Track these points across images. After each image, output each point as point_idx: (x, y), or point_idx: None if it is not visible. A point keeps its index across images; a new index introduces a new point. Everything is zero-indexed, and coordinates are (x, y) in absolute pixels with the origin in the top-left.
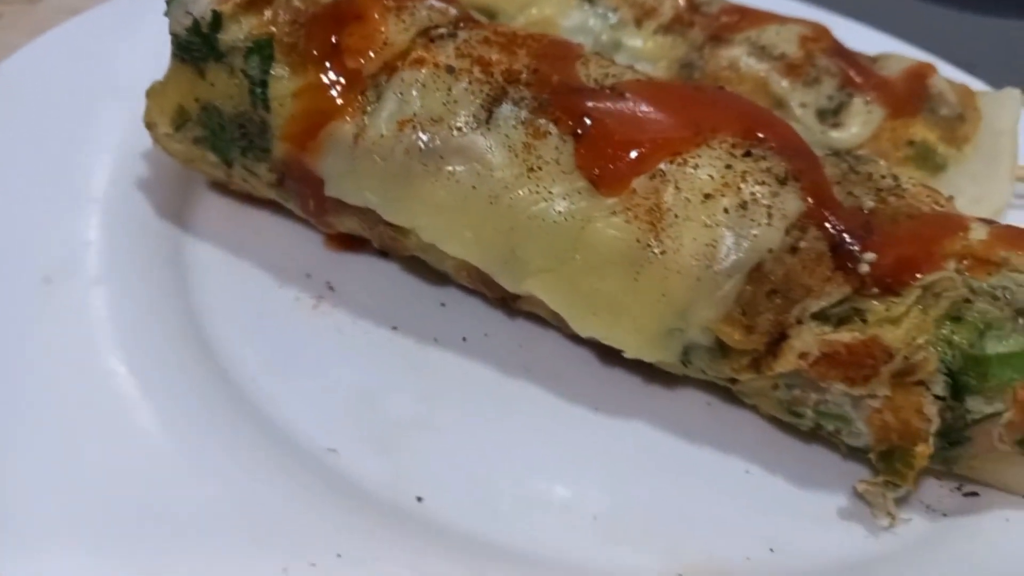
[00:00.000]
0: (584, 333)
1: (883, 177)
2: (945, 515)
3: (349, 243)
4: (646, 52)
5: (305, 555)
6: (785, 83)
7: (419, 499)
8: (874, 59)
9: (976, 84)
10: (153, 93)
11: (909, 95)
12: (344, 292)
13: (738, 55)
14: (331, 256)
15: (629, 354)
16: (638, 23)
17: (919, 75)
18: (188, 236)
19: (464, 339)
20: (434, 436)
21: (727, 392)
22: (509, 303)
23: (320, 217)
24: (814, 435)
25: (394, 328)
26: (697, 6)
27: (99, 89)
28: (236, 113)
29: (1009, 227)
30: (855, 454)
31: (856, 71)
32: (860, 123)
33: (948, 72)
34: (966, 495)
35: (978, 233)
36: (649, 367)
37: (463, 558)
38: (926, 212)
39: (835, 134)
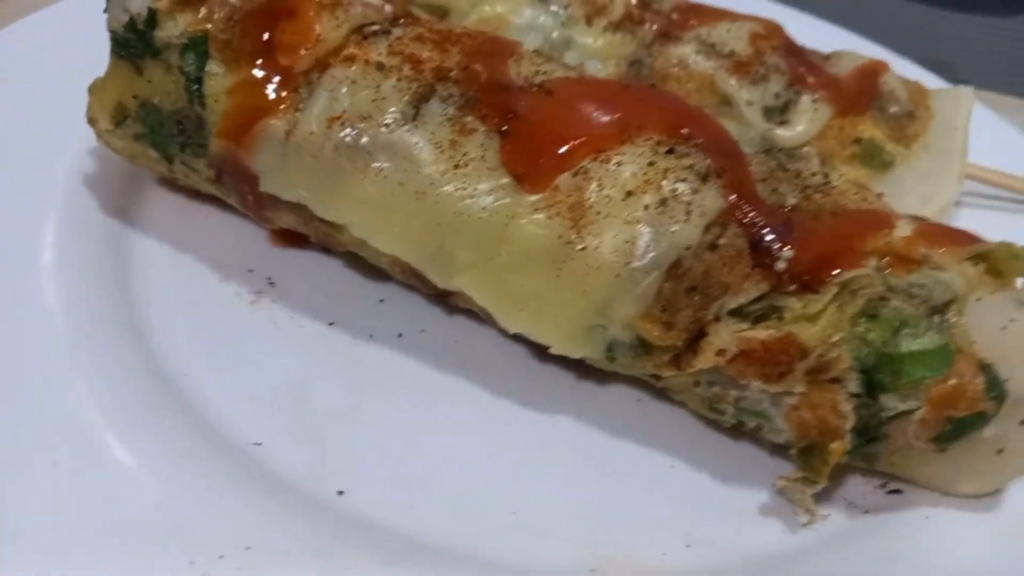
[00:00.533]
0: (511, 329)
1: (812, 174)
2: (867, 512)
3: (293, 239)
4: (596, 50)
5: (214, 547)
6: (733, 81)
7: (340, 492)
8: (827, 57)
9: (937, 82)
10: (94, 90)
11: (858, 93)
12: (284, 287)
13: (687, 53)
14: (274, 252)
15: (554, 350)
16: (588, 20)
17: (871, 73)
18: (134, 230)
19: (400, 335)
20: (361, 429)
21: (657, 389)
22: (446, 299)
23: (259, 212)
24: (741, 432)
25: (331, 323)
26: (648, 3)
27: (54, 85)
28: (173, 110)
29: (934, 224)
30: (779, 451)
31: (805, 69)
32: (807, 121)
33: (911, 70)
34: (889, 492)
35: (903, 230)
36: (581, 364)
37: (378, 551)
38: (851, 209)
39: (781, 132)
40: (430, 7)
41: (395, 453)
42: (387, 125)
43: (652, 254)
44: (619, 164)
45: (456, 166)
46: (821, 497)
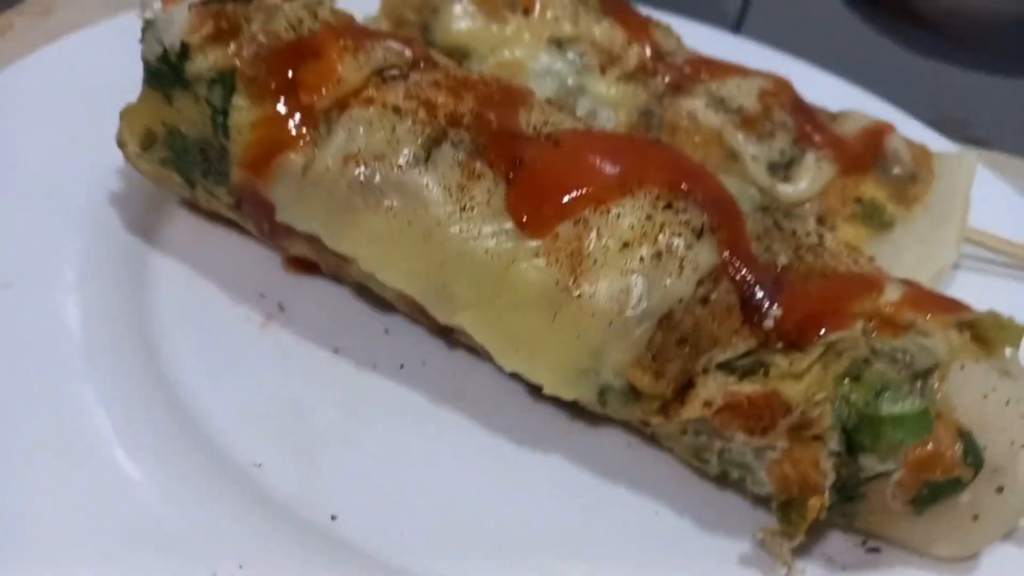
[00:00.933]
0: (507, 367)
1: (807, 234)
2: (844, 568)
3: (306, 266)
4: (609, 98)
5: (209, 564)
6: (739, 136)
7: (333, 517)
8: (834, 116)
9: (944, 142)
10: (125, 114)
11: (862, 153)
12: (293, 313)
13: (697, 106)
14: (287, 278)
15: (547, 390)
16: (602, 69)
17: (875, 133)
18: (155, 249)
19: (402, 366)
20: (357, 456)
21: (648, 434)
22: (447, 334)
23: (274, 240)
24: (726, 482)
25: (335, 350)
26: (662, 55)
27: (88, 105)
28: (199, 138)
29: (923, 290)
30: (762, 502)
31: (812, 127)
32: (810, 178)
33: (919, 130)
34: (869, 551)
35: (891, 295)
36: (575, 405)
37: None
38: (841, 271)
39: (784, 187)
40: (451, 49)
41: (389, 481)
42: (400, 166)
43: (645, 305)
44: (618, 216)
45: (463, 208)
46: (801, 551)
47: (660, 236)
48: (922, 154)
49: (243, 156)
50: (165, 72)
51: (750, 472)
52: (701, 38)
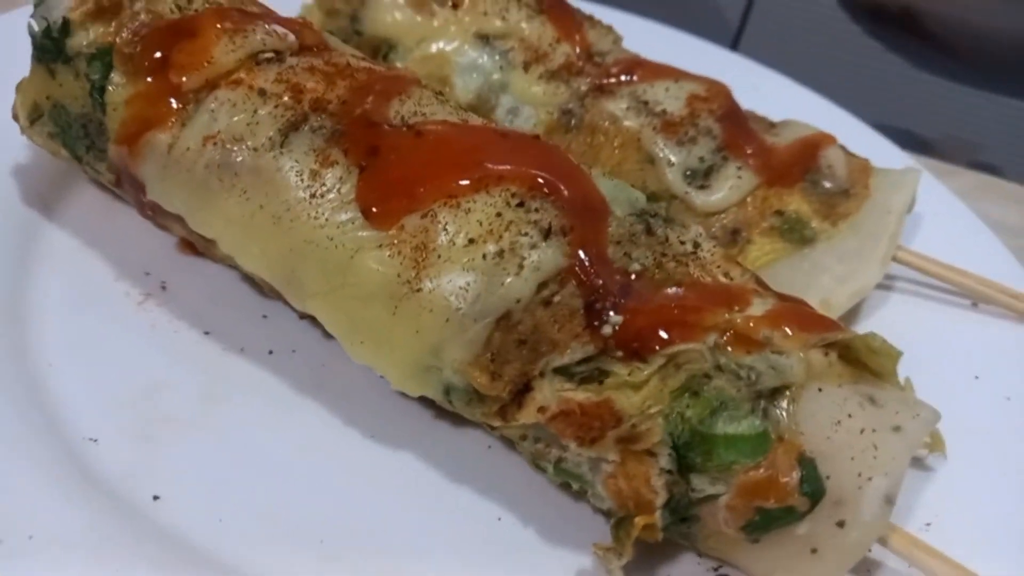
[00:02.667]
0: (354, 358)
1: (682, 243)
2: None
3: (197, 248)
4: (530, 96)
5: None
6: (659, 140)
7: (156, 497)
8: (773, 124)
9: (905, 161)
10: (19, 88)
11: (789, 164)
12: (174, 293)
13: (619, 108)
14: (178, 259)
15: (394, 386)
16: (526, 67)
17: (810, 145)
18: (53, 222)
19: (271, 352)
20: (198, 438)
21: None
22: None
23: (154, 219)
24: (576, 493)
25: (207, 332)
26: (592, 55)
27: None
28: (80, 113)
29: (792, 308)
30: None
31: (740, 135)
32: (727, 188)
33: (885, 148)
34: None
35: (756, 309)
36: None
37: (164, 560)
38: (704, 282)
39: (699, 196)
40: (378, 40)
41: (224, 467)
42: (255, 149)
43: (481, 303)
44: (468, 211)
45: (313, 195)
46: (646, 570)
47: (505, 234)
48: (861, 169)
49: (118, 132)
50: (48, 47)
51: (588, 485)
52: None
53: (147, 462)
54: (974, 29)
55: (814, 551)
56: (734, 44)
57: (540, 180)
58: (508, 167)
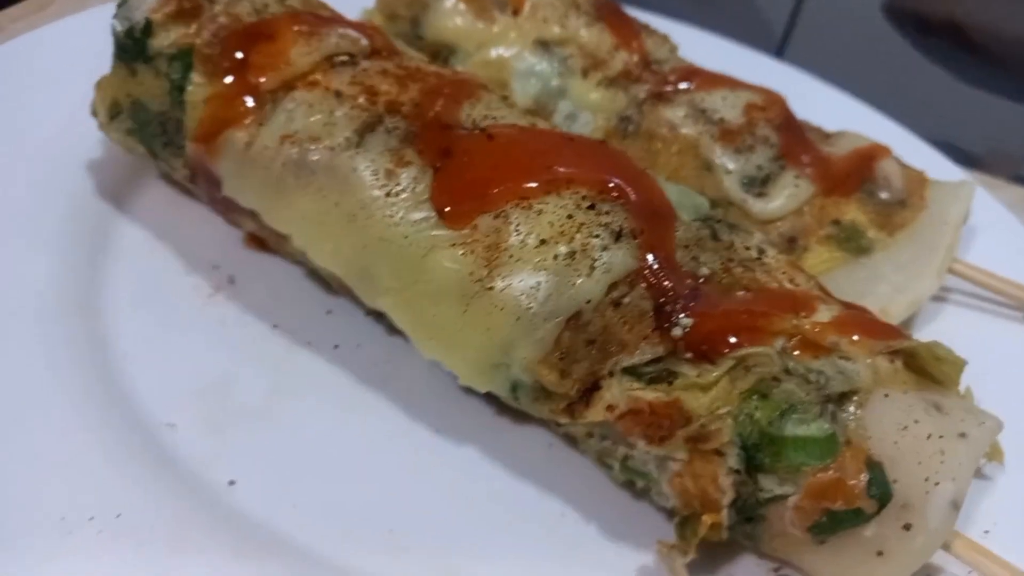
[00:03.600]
0: (424, 354)
1: (747, 248)
2: None
3: (264, 243)
4: (588, 102)
5: (87, 509)
6: (717, 148)
7: (231, 482)
8: (828, 135)
9: (956, 174)
10: (99, 85)
11: (846, 174)
12: (242, 287)
13: (677, 115)
14: (245, 254)
15: (462, 381)
16: (585, 73)
17: (868, 156)
18: (124, 216)
19: (336, 346)
20: (270, 428)
21: (571, 437)
22: (386, 317)
23: (227, 214)
24: (642, 493)
25: (275, 326)
26: (650, 63)
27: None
28: (159, 111)
29: (857, 314)
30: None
31: (797, 144)
32: (785, 196)
33: (937, 160)
34: None
35: (822, 316)
36: (502, 401)
37: (242, 542)
38: (771, 288)
39: (756, 203)
40: (438, 45)
41: (294, 456)
42: (332, 148)
43: (552, 302)
44: (540, 212)
45: (388, 194)
46: (707, 570)
47: (577, 235)
48: (917, 181)
49: (196, 130)
50: (130, 47)
51: (653, 483)
52: (729, 58)
53: (221, 449)
54: (1020, 41)
55: (880, 554)
56: (778, 53)
57: (610, 183)
58: (578, 170)
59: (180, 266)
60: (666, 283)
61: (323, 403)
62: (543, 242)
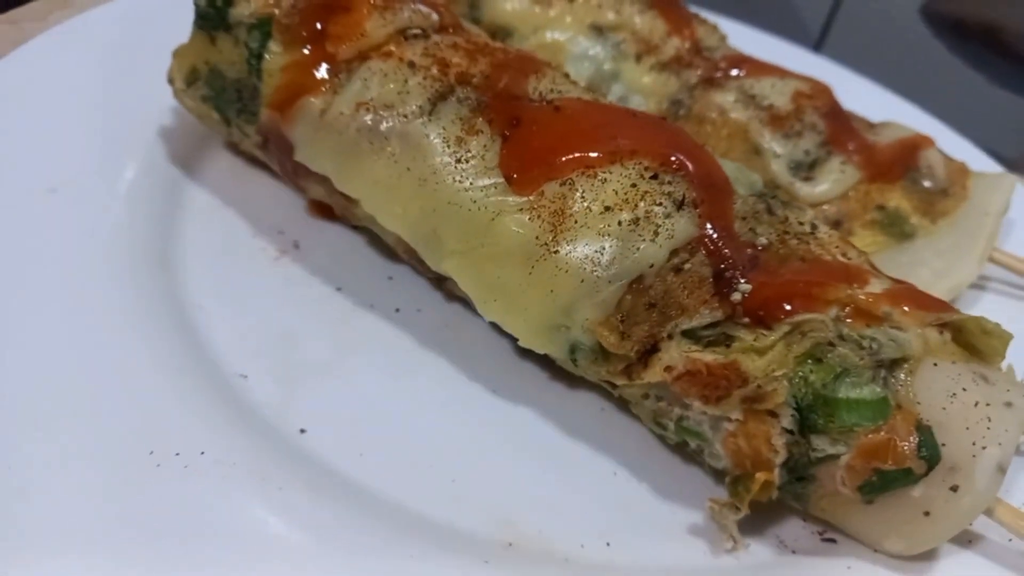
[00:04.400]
0: (486, 316)
1: (800, 223)
2: (794, 552)
3: (327, 211)
4: (641, 86)
5: (174, 445)
6: (766, 132)
7: (302, 431)
8: (873, 125)
9: (993, 167)
10: (177, 53)
11: (891, 162)
12: (306, 251)
13: (727, 100)
14: (309, 221)
15: (522, 342)
16: (638, 57)
17: (911, 146)
18: (194, 182)
19: (397, 310)
20: (336, 382)
21: (622, 403)
22: (444, 284)
23: (295, 181)
24: (689, 454)
25: (338, 289)
26: (700, 50)
27: (152, 51)
28: (236, 79)
29: (911, 289)
30: (723, 478)
31: (843, 132)
32: (831, 180)
33: (973, 154)
34: (824, 540)
35: (874, 287)
36: (555, 366)
37: (314, 486)
38: (825, 260)
39: (803, 187)
40: (496, 27)
41: (361, 409)
42: (405, 116)
43: (616, 266)
44: (604, 181)
45: (458, 160)
46: (754, 531)
47: (641, 203)
48: (959, 171)
49: (271, 97)
50: (211, 15)
51: (706, 443)
52: (771, 50)
53: (291, 399)
54: None
55: (927, 514)
56: (815, 52)
57: (672, 156)
58: (642, 143)
59: (248, 230)
60: (725, 251)
61: (385, 362)
62: (607, 209)
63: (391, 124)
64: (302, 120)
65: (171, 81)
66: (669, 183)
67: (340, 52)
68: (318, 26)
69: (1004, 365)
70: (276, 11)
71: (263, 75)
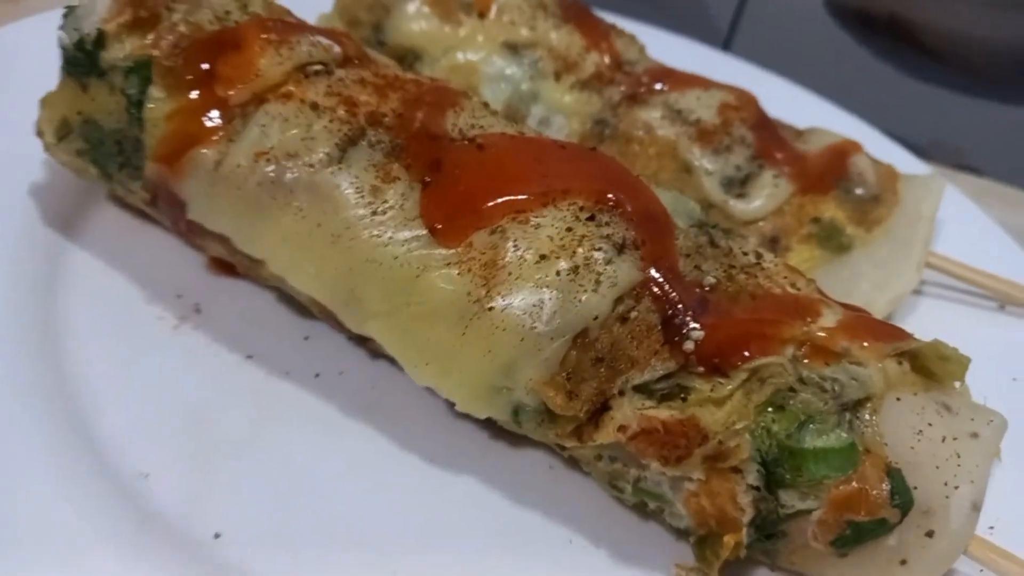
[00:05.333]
0: (418, 381)
1: (744, 254)
2: None
3: (229, 267)
4: (562, 106)
5: (58, 571)
6: (695, 149)
7: (217, 535)
8: (801, 132)
9: (916, 164)
10: (45, 103)
11: (823, 172)
12: (209, 315)
13: (653, 117)
14: (209, 279)
15: (460, 407)
16: (557, 76)
17: (840, 152)
18: (75, 242)
19: (317, 375)
20: (255, 469)
21: (574, 459)
22: (366, 342)
23: (190, 239)
24: (647, 512)
25: (249, 356)
26: (621, 64)
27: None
28: (114, 129)
29: (863, 317)
30: (685, 536)
31: (772, 143)
32: (765, 196)
33: (896, 153)
34: None
35: (827, 320)
36: (497, 424)
37: None
38: (776, 293)
39: (738, 205)
40: (403, 50)
41: (286, 497)
42: (312, 165)
43: (558, 320)
44: (537, 227)
45: (375, 212)
46: None
47: (579, 249)
48: (888, 175)
49: (157, 149)
50: (81, 60)
51: (667, 504)
52: (685, 53)
53: (203, 496)
54: (959, 36)
55: (903, 562)
56: (724, 49)
57: (607, 193)
58: (574, 180)
59: (141, 296)
60: (672, 294)
61: (310, 437)
62: (543, 257)
63: (296, 175)
64: (194, 174)
65: (40, 134)
66: (607, 224)
67: (233, 96)
68: (205, 67)
69: (956, 384)
70: (156, 52)
71: (145, 125)
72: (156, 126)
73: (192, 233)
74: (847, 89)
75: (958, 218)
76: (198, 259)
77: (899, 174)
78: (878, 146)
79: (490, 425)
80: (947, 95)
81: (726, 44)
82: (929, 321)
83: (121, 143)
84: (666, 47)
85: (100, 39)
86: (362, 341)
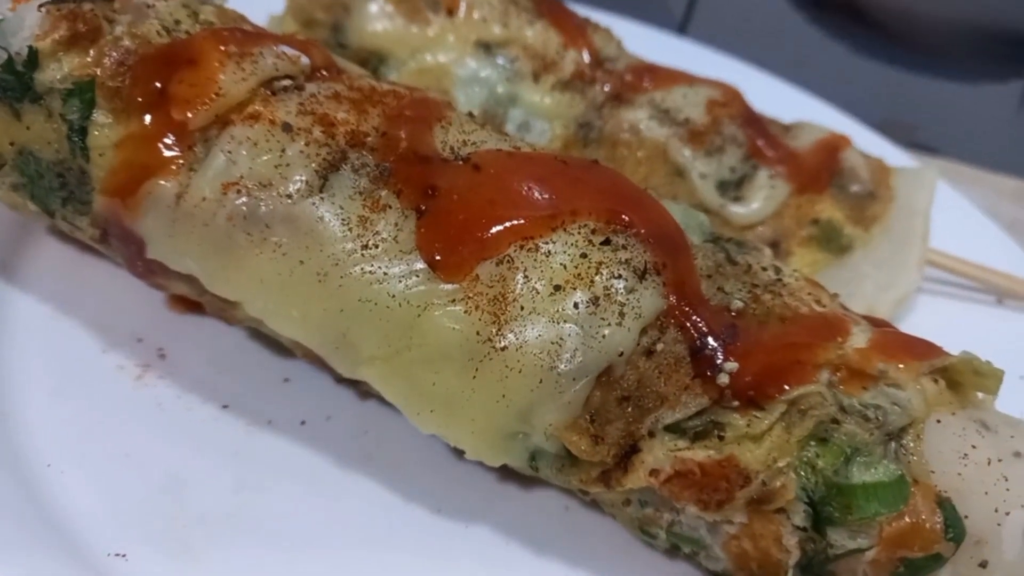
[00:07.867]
0: (423, 429)
1: (764, 269)
2: None
3: (192, 304)
4: (543, 109)
5: None
6: (687, 151)
7: None
8: (788, 127)
9: (894, 150)
10: None
11: (818, 169)
12: (176, 361)
13: (640, 118)
14: (171, 318)
15: (470, 456)
16: (536, 77)
17: (831, 148)
18: (13, 285)
19: (303, 423)
20: (245, 538)
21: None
22: (356, 383)
23: (150, 279)
24: (677, 554)
25: (224, 406)
26: (601, 61)
27: None
28: (54, 160)
29: (891, 333)
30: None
31: (764, 141)
32: (763, 198)
33: (871, 140)
34: None
35: (858, 339)
36: (505, 466)
37: None
38: (803, 313)
39: (736, 208)
40: (366, 52)
41: (284, 568)
42: (289, 195)
43: (580, 359)
44: (548, 254)
45: (365, 246)
46: None
47: (597, 278)
48: (880, 170)
49: (106, 182)
50: (11, 83)
51: (704, 548)
52: (645, 41)
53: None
54: (911, 15)
55: None
56: (679, 32)
57: (619, 212)
58: (582, 200)
59: (96, 344)
60: (700, 323)
61: (301, 496)
62: (558, 288)
63: (271, 207)
64: (152, 209)
65: None
66: (624, 247)
67: (191, 119)
68: (157, 86)
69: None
70: (98, 72)
71: (91, 154)
72: (103, 155)
73: (152, 273)
74: (800, 68)
75: (947, 210)
76: (156, 296)
77: (890, 168)
78: (853, 133)
79: (499, 467)
80: (900, 74)
81: (682, 27)
82: (929, 321)
83: (64, 176)
84: (622, 34)
85: (32, 58)
86: (350, 380)
